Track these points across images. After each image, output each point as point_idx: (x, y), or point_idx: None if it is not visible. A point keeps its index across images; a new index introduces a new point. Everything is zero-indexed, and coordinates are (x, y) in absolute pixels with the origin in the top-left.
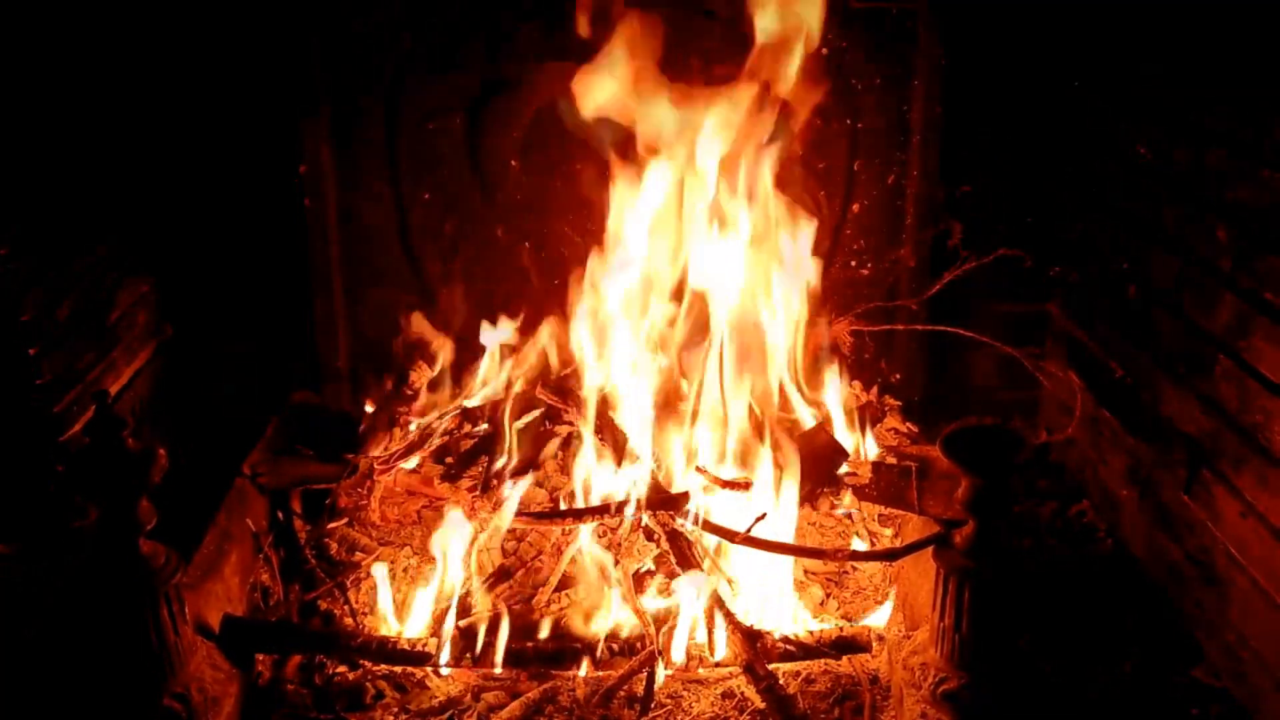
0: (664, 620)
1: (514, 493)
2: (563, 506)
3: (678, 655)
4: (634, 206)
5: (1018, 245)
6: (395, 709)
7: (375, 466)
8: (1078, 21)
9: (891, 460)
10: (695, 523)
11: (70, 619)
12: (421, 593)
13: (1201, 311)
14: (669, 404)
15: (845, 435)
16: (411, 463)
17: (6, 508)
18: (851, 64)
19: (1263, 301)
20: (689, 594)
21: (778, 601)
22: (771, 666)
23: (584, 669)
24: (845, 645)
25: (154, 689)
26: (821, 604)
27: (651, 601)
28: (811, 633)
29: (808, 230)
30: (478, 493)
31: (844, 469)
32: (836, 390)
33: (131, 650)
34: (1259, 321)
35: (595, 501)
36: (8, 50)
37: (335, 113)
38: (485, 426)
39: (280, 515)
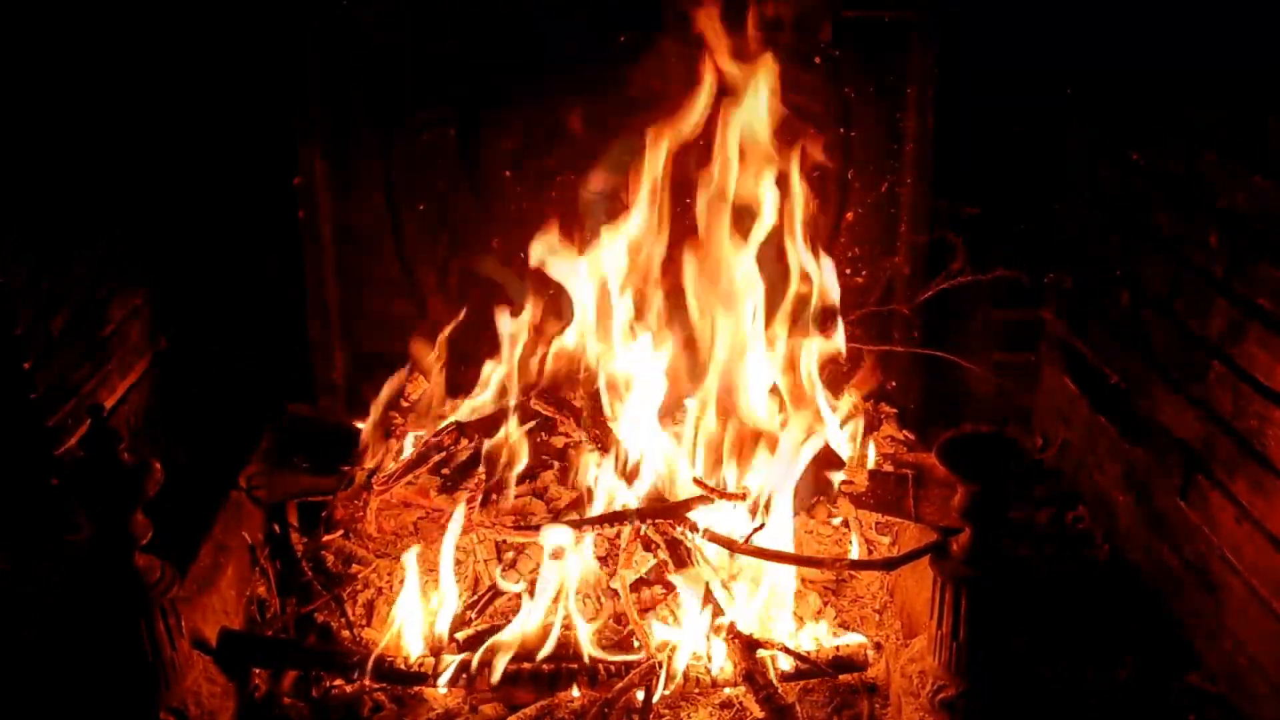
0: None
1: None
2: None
3: (677, 668)
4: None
5: (1011, 251)
6: None
7: (374, 486)
8: (1071, 27)
9: (888, 468)
10: (695, 531)
11: (66, 633)
12: (419, 608)
13: (1195, 317)
14: (668, 413)
15: (841, 443)
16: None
17: (1, 522)
18: (845, 72)
19: (1256, 307)
20: (690, 605)
21: (777, 611)
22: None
23: (580, 690)
24: (842, 664)
25: (150, 703)
26: (819, 612)
27: (649, 613)
28: (809, 653)
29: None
30: (476, 505)
31: (840, 477)
32: (832, 398)
33: (127, 664)
34: (1252, 327)
35: (593, 512)
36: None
37: (330, 124)
38: (479, 439)
39: (276, 528)
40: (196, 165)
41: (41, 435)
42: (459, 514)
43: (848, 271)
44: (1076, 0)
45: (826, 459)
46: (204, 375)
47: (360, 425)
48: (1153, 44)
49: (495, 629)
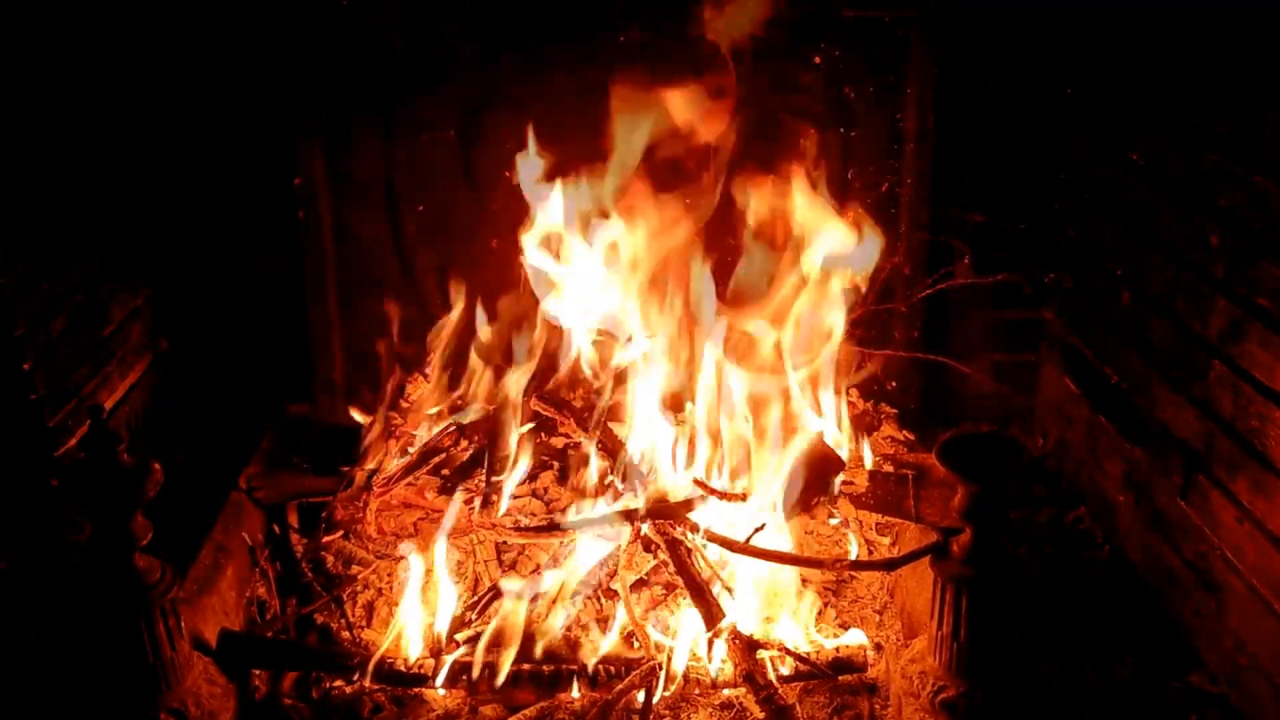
0: (664, 634)
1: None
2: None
3: (677, 669)
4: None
5: (1011, 252)
6: None
7: (374, 486)
8: (1071, 28)
9: (888, 468)
10: (696, 532)
11: (66, 633)
12: (419, 609)
13: (1196, 317)
14: (668, 414)
15: (841, 444)
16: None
17: (2, 522)
18: (844, 72)
19: (1256, 307)
20: (690, 608)
21: (777, 612)
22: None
23: (580, 691)
24: (842, 666)
25: (150, 704)
26: (819, 613)
27: (651, 613)
28: (808, 654)
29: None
30: (476, 506)
31: (840, 478)
32: (832, 399)
33: (127, 665)
34: (1253, 327)
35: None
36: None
37: (330, 125)
38: (479, 439)
39: (276, 528)
40: (196, 165)
41: (42, 436)
42: (451, 514)
43: None
44: None
45: (826, 459)
46: (204, 375)
47: (360, 420)
48: None
49: (495, 634)
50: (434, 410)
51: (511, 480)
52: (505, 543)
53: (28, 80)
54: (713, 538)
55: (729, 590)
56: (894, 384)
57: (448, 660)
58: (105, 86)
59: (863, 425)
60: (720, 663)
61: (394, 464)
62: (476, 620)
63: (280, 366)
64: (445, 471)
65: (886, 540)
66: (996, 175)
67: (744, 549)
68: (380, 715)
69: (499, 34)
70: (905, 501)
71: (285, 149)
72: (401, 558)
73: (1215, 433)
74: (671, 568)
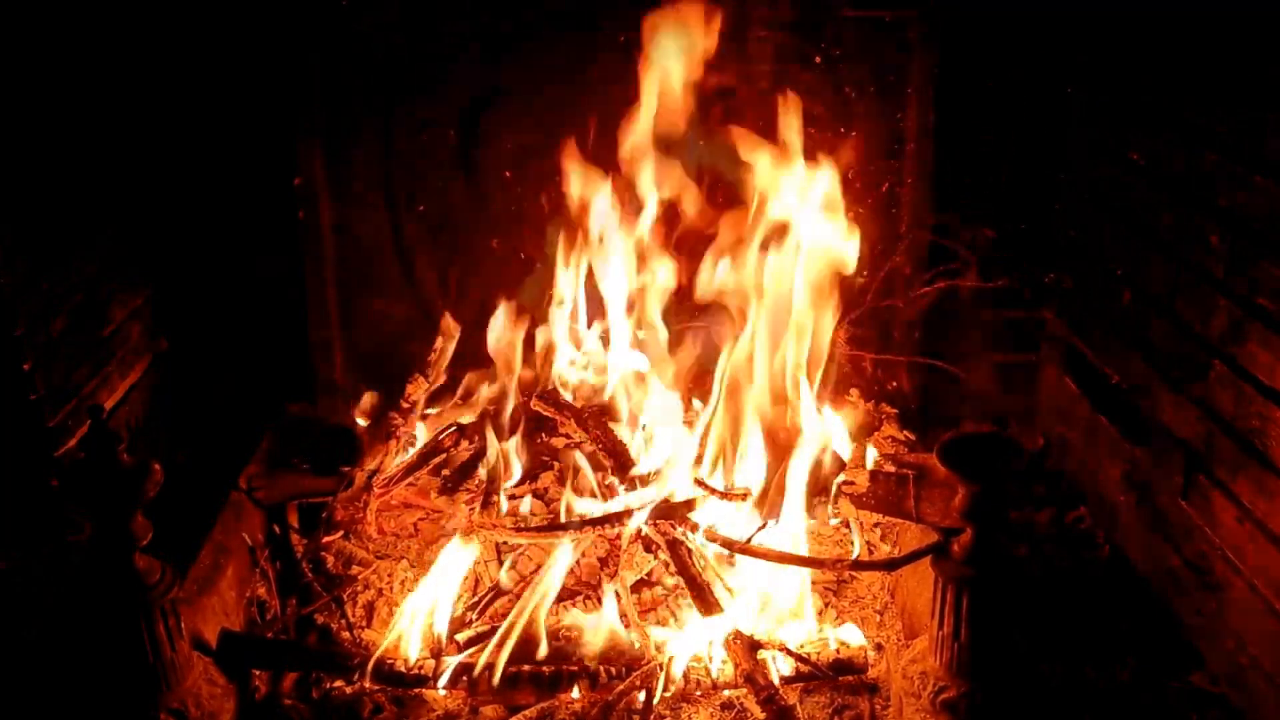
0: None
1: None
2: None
3: (678, 671)
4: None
5: (1012, 251)
6: None
7: (374, 487)
8: (1071, 28)
9: (889, 468)
10: (696, 531)
11: (66, 633)
12: (419, 609)
13: (1196, 317)
14: (669, 414)
15: (842, 443)
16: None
17: (2, 522)
18: (845, 72)
19: (1257, 307)
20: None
21: (778, 611)
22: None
23: (580, 692)
24: (842, 666)
25: (150, 704)
26: (820, 613)
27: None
28: (809, 654)
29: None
30: (476, 507)
31: (841, 477)
32: (833, 399)
33: (127, 665)
34: (1253, 327)
35: (594, 513)
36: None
37: (330, 125)
38: (479, 440)
39: (276, 529)
40: (197, 165)
41: (42, 436)
42: (459, 521)
43: None
44: None
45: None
46: (204, 375)
47: (361, 421)
48: None
49: (495, 630)
50: (434, 410)
51: (510, 480)
52: (505, 542)
53: (28, 80)
54: (713, 537)
55: (730, 590)
56: (894, 384)
57: (449, 661)
58: (105, 86)
59: (864, 425)
60: (721, 663)
61: (394, 464)
62: (476, 620)
63: (280, 366)
64: (445, 471)
65: (889, 541)
66: (997, 175)
67: (744, 549)
68: (380, 716)
69: (499, 34)
70: (906, 501)
71: (285, 149)
72: (401, 558)
73: (1216, 433)
74: (674, 568)
